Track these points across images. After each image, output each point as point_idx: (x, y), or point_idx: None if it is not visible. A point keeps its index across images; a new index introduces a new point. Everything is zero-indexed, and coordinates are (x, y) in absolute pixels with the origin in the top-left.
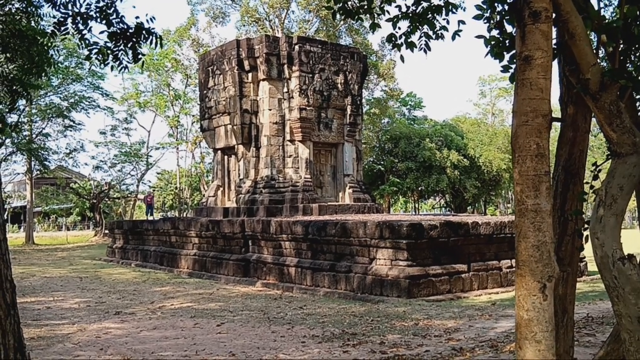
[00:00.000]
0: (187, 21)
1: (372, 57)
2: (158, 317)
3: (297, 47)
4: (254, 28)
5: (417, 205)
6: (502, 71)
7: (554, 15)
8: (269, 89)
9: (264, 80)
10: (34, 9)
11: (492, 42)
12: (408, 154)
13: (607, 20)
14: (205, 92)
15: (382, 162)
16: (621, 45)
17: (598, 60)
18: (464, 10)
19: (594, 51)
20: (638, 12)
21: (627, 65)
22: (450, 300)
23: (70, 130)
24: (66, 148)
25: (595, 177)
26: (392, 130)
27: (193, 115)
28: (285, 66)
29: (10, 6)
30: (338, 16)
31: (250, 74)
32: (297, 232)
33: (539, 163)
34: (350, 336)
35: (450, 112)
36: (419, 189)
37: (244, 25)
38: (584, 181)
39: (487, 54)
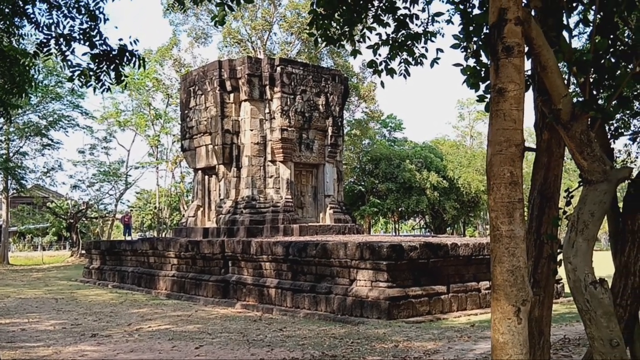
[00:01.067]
0: (169, 41)
1: (354, 79)
2: (135, 340)
3: (279, 68)
4: (236, 49)
5: (397, 226)
6: (477, 101)
7: (526, 48)
8: (251, 110)
9: (245, 100)
10: (15, 29)
11: (469, 73)
12: (388, 175)
13: (577, 53)
14: (186, 112)
15: (362, 183)
16: (592, 77)
17: (569, 91)
18: (443, 36)
19: (566, 82)
20: (609, 44)
21: (598, 96)
22: (429, 322)
23: (48, 149)
24: (44, 167)
25: (568, 203)
26: (372, 152)
27: (173, 135)
28: (267, 87)
29: None
30: (320, 41)
31: (232, 95)
32: (278, 252)
33: (512, 190)
34: (330, 358)
35: (430, 134)
36: (399, 209)
37: (226, 46)
38: (558, 206)
39: (463, 82)
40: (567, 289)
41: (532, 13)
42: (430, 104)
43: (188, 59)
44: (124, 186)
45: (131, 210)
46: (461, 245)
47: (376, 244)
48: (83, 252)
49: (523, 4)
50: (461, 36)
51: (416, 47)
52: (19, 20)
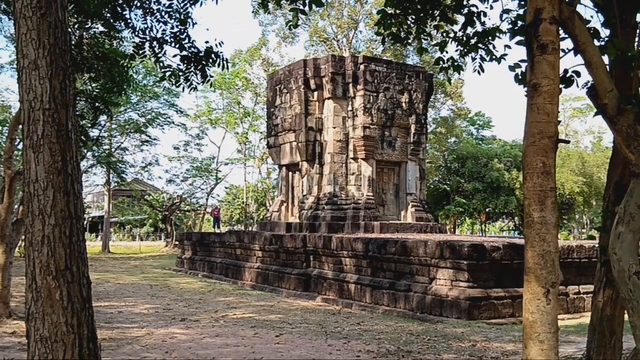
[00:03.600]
0: (258, 41)
1: (440, 75)
2: (220, 326)
3: (362, 66)
4: (322, 47)
5: (484, 227)
6: (526, 96)
7: (571, 46)
8: (334, 107)
9: (329, 98)
10: (115, 33)
11: (515, 67)
12: (475, 174)
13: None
14: (272, 109)
15: (447, 182)
16: None
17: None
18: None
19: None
20: None
21: None
22: (512, 324)
23: (146, 145)
24: (142, 162)
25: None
26: (458, 150)
27: (261, 132)
28: (350, 85)
29: (95, 30)
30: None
31: (315, 93)
32: (358, 249)
33: (544, 180)
34: (405, 353)
35: (520, 133)
36: (486, 210)
37: (312, 45)
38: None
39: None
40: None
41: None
42: (520, 101)
43: (276, 59)
44: (215, 181)
45: (220, 205)
46: None
47: (457, 243)
48: (176, 242)
49: (567, 1)
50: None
51: (491, 44)
52: (118, 24)
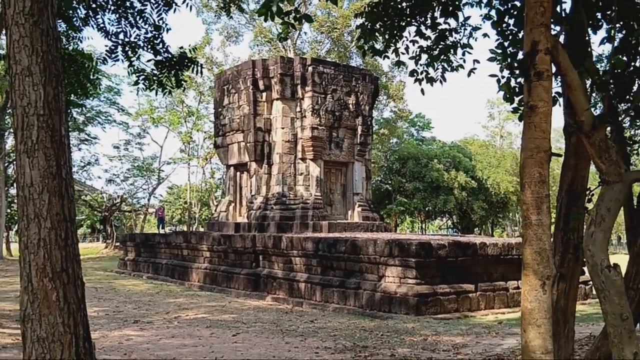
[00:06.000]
0: (201, 40)
1: (382, 78)
2: (175, 327)
3: (310, 68)
4: (266, 48)
5: (424, 226)
6: (512, 112)
7: (554, 70)
8: (282, 108)
9: (277, 99)
10: (74, 33)
11: (504, 88)
12: (416, 174)
13: (598, 74)
14: (220, 109)
15: (389, 182)
16: (612, 91)
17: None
18: (485, 36)
19: (589, 95)
20: (626, 63)
21: (618, 108)
22: (457, 319)
23: (86, 144)
24: (81, 161)
25: (589, 201)
26: (400, 151)
27: (205, 132)
28: (299, 86)
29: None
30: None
31: (264, 94)
32: (308, 248)
33: (541, 187)
34: (362, 348)
35: (458, 134)
36: (426, 209)
37: (257, 45)
38: (585, 205)
39: (498, 91)
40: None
41: (561, 39)
42: (459, 104)
43: (220, 58)
44: (157, 181)
45: (163, 205)
46: (490, 244)
47: (405, 241)
48: (117, 244)
49: (552, 32)
50: (498, 51)
51: (454, 56)
52: (88, 27)
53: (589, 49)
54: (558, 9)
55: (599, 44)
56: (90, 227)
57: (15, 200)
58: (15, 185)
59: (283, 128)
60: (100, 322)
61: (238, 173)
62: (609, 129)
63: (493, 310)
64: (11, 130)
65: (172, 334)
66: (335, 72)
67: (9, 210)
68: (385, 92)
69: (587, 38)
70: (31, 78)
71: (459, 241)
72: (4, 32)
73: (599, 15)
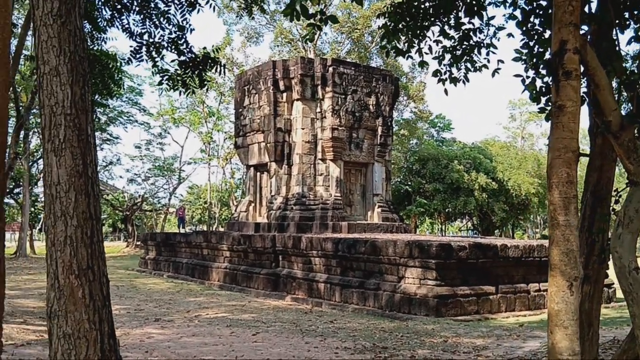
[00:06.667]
0: (222, 41)
1: (403, 78)
2: (196, 325)
3: (330, 68)
4: (287, 48)
5: (443, 227)
6: (538, 112)
7: (582, 69)
8: (303, 109)
9: (297, 100)
10: (98, 34)
11: (530, 88)
12: (436, 175)
13: (625, 74)
14: (240, 110)
15: (409, 183)
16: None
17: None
18: (510, 36)
19: (618, 95)
20: None
21: None
22: (477, 321)
23: (108, 144)
24: (103, 161)
25: (617, 202)
26: (420, 152)
27: (225, 132)
28: (319, 87)
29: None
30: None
31: (284, 94)
32: (328, 248)
33: (569, 188)
34: (382, 349)
35: (479, 135)
36: (446, 210)
37: (277, 46)
38: (610, 206)
39: (523, 91)
40: (618, 294)
41: (588, 38)
42: (480, 105)
43: (240, 58)
44: (177, 181)
45: (183, 204)
46: (511, 246)
47: (425, 242)
48: (138, 243)
49: (581, 31)
50: (524, 51)
51: (477, 56)
52: (112, 28)
53: (617, 48)
54: (586, 8)
55: (626, 44)
56: (111, 226)
57: (39, 199)
58: (39, 184)
59: (303, 128)
60: (122, 320)
61: (258, 173)
62: (637, 129)
63: (514, 313)
64: (35, 129)
65: (193, 332)
66: (356, 73)
67: (32, 209)
68: (406, 93)
69: (614, 37)
70: (59, 78)
71: (480, 243)
72: (31, 33)
73: (626, 14)
